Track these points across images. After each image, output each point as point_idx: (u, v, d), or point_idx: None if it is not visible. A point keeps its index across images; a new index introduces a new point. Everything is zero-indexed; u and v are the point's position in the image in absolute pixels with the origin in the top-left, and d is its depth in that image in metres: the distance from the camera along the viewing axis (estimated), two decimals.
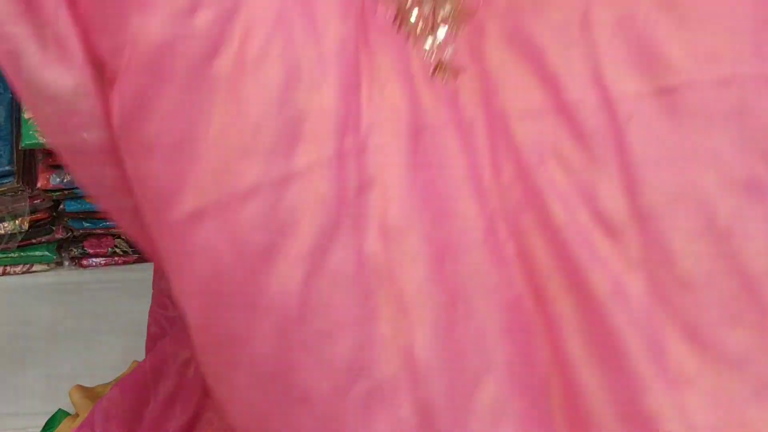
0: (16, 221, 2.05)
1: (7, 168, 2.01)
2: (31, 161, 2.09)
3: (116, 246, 2.10)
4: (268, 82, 0.86)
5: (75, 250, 2.13)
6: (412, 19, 0.95)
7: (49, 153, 2.01)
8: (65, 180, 2.02)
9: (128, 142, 0.90)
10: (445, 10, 0.95)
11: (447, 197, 0.93)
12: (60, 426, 1.70)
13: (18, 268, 2.12)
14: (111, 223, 2.09)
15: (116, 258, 2.12)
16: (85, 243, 2.11)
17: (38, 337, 1.96)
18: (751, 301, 0.88)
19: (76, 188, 2.02)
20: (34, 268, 2.12)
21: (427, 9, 0.95)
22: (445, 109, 0.92)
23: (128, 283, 1.86)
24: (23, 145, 1.99)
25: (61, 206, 2.06)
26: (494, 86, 0.93)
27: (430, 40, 0.95)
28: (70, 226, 2.09)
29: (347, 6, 0.91)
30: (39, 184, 2.02)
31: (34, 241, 2.09)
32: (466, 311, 0.90)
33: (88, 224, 2.07)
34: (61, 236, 2.10)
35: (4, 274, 2.11)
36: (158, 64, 0.86)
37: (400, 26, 0.95)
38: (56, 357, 1.90)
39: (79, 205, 2.03)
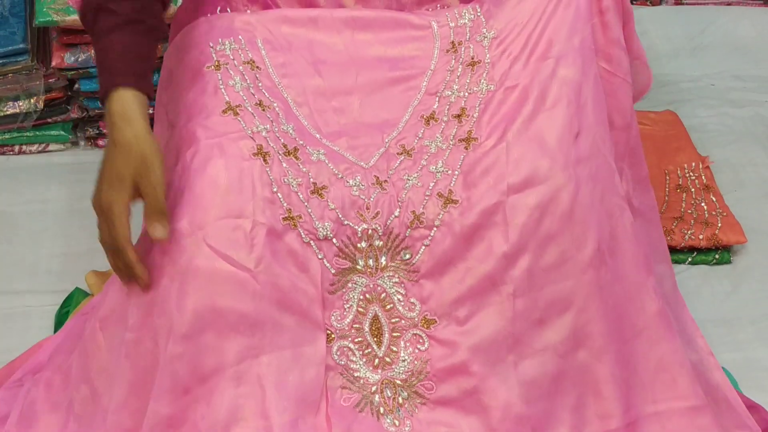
0: (31, 100, 2.04)
1: (20, 46, 1.99)
2: (45, 39, 2.06)
3: None
4: None
5: (90, 129, 2.12)
6: (375, 401, 1.25)
7: (63, 31, 1.99)
8: (80, 59, 1.99)
9: None
10: (403, 395, 1.26)
11: None
12: (77, 305, 1.72)
13: (34, 147, 2.11)
14: None
15: None
16: (101, 123, 2.10)
17: (55, 216, 1.96)
18: None
19: (91, 67, 2.00)
20: (49, 148, 2.12)
21: (387, 393, 1.25)
22: None
23: None
24: (37, 22, 1.96)
25: (76, 85, 2.05)
26: None
27: (389, 418, 1.25)
28: (85, 106, 2.08)
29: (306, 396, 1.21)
30: (53, 63, 2.00)
31: (49, 120, 2.08)
32: None
33: None
34: (76, 116, 2.09)
35: (20, 153, 2.11)
36: None
37: (363, 408, 1.25)
38: (73, 236, 1.90)
39: (94, 85, 2.01)
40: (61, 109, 2.08)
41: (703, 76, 2.40)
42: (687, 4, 2.65)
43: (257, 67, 1.36)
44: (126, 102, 1.21)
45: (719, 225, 1.91)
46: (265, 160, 1.25)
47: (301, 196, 1.25)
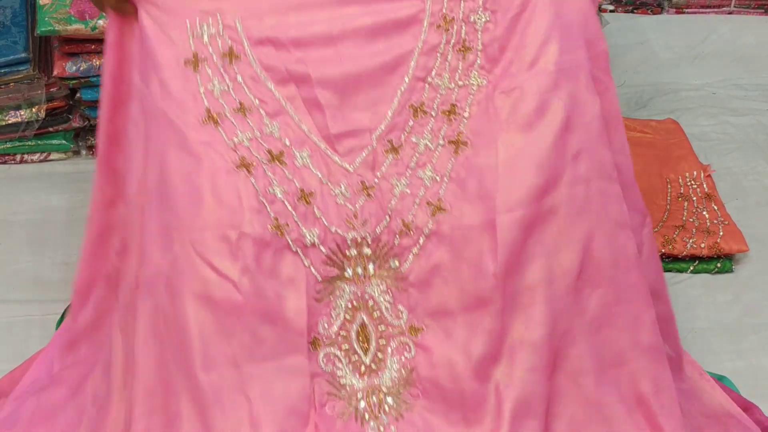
0: (33, 109, 2.04)
1: (22, 55, 1.99)
2: (47, 48, 2.06)
3: None
4: None
5: (92, 139, 2.12)
6: (361, 407, 1.25)
7: (65, 40, 1.99)
8: (81, 68, 1.99)
9: None
10: (388, 402, 1.26)
11: None
12: None
13: (35, 156, 2.11)
14: None
15: None
16: None
17: (56, 225, 1.96)
18: None
19: (93, 76, 2.00)
20: (51, 157, 2.12)
21: (373, 400, 1.26)
22: None
23: None
24: (39, 32, 1.96)
25: (78, 94, 2.05)
26: None
27: (374, 423, 1.26)
28: (86, 115, 2.08)
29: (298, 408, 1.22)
30: (55, 72, 2.00)
31: (51, 129, 2.08)
32: None
33: None
34: (77, 125, 2.09)
35: (21, 162, 2.11)
36: None
37: (348, 417, 1.25)
38: (74, 245, 1.89)
39: (96, 94, 2.01)
40: (62, 119, 2.08)
41: (704, 84, 2.40)
42: (688, 13, 2.65)
43: (236, 56, 1.27)
44: None
45: (721, 233, 1.91)
46: (248, 171, 1.24)
47: (287, 204, 1.24)
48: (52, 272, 1.86)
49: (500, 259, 1.24)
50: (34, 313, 1.77)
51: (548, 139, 1.26)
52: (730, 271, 1.89)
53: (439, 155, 1.28)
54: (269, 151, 1.25)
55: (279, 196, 1.24)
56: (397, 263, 1.27)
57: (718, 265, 1.89)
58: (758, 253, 1.92)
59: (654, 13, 2.66)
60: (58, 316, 1.74)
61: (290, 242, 1.23)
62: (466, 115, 1.29)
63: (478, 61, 1.29)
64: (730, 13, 2.64)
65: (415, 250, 1.26)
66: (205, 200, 1.21)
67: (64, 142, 2.10)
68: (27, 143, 2.09)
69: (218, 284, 1.20)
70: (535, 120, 1.26)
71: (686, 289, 1.85)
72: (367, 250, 1.26)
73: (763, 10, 2.65)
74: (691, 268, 1.89)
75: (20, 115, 2.04)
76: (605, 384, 1.30)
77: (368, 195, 1.27)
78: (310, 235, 1.24)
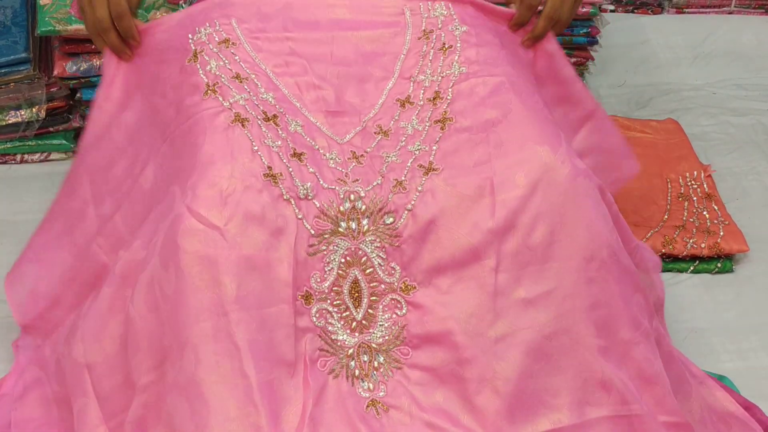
0: (33, 109, 2.04)
1: (23, 55, 1.99)
2: (47, 48, 2.06)
3: None
4: None
5: None
6: (351, 366, 1.25)
7: (65, 40, 1.99)
8: (82, 68, 1.99)
9: None
10: (379, 359, 1.26)
11: None
12: None
13: (35, 156, 2.11)
14: None
15: None
16: None
17: None
18: None
19: (93, 76, 2.00)
20: (51, 157, 2.12)
21: (364, 358, 1.26)
22: None
23: None
24: (39, 32, 1.96)
25: (78, 94, 2.04)
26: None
27: (365, 382, 1.26)
28: (87, 115, 2.08)
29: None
30: (55, 72, 2.00)
31: (51, 129, 2.08)
32: None
33: None
34: (78, 125, 2.08)
35: (21, 162, 2.11)
36: None
37: (338, 374, 1.25)
38: None
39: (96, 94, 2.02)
40: (62, 119, 2.08)
41: (704, 84, 2.40)
42: (689, 12, 2.65)
43: (233, 44, 1.37)
44: None
45: (721, 233, 1.91)
46: (243, 125, 1.27)
47: (281, 155, 1.26)
48: None
49: (498, 216, 1.25)
50: None
51: (539, 109, 1.33)
52: (730, 271, 1.90)
53: (427, 133, 1.33)
54: (264, 112, 1.29)
55: (274, 148, 1.26)
56: (391, 219, 1.27)
57: (719, 265, 1.89)
58: (758, 253, 1.92)
59: (654, 13, 2.66)
60: None
61: (283, 191, 1.24)
62: (449, 97, 1.35)
63: (458, 55, 1.39)
64: (730, 13, 2.64)
65: (409, 206, 1.27)
66: (199, 158, 1.24)
67: (64, 142, 2.10)
68: (27, 143, 2.09)
69: (205, 234, 1.20)
70: (526, 99, 1.34)
71: (686, 289, 1.85)
72: (361, 205, 1.27)
73: (763, 10, 2.65)
74: (692, 268, 1.89)
75: (20, 115, 2.04)
76: (613, 357, 1.29)
77: (359, 163, 1.30)
78: (303, 188, 1.25)
